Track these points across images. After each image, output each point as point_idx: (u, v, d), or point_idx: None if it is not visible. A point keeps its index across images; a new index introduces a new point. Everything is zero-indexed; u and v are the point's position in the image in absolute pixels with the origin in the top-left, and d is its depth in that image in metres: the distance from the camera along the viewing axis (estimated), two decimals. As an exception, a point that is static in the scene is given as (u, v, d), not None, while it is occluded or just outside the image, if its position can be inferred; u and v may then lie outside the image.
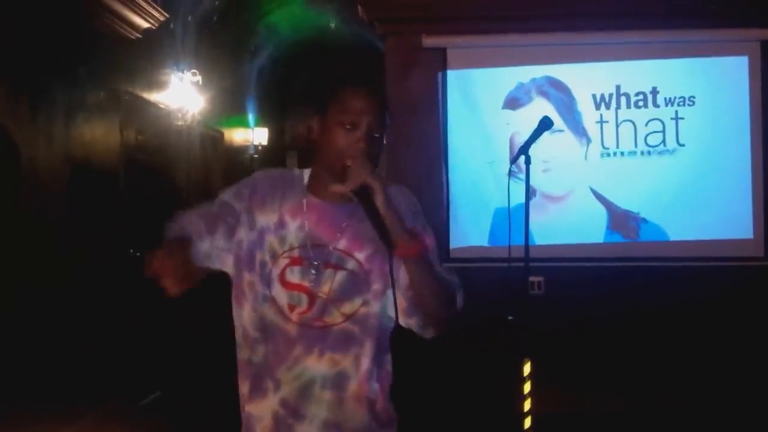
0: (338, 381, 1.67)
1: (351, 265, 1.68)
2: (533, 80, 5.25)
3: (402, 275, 1.65)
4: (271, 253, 1.69)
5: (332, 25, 8.11)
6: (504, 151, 5.23)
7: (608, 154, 5.32)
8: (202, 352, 5.44)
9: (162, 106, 5.84)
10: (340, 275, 1.68)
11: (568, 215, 5.44)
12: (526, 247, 3.45)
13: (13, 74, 3.74)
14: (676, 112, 5.23)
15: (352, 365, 1.68)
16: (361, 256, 1.69)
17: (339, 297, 1.68)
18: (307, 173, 1.75)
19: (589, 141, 5.32)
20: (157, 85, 5.79)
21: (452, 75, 5.19)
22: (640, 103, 5.25)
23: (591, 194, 5.32)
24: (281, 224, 1.70)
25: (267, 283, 1.69)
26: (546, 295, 5.15)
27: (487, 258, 5.03)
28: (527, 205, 3.46)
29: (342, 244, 1.68)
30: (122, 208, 4.87)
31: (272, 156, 9.99)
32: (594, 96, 5.28)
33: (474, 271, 5.21)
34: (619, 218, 5.32)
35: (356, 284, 1.68)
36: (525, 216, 3.45)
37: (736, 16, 5.12)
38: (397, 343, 1.78)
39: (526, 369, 3.49)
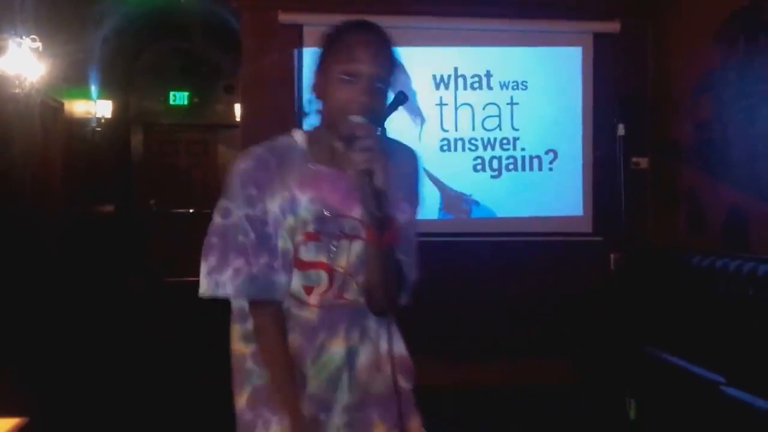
0: (349, 359, 1.57)
1: (365, 233, 1.55)
2: None
3: None
4: (290, 234, 1.54)
5: (182, -3, 7.89)
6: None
7: (446, 137, 5.56)
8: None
9: (-2, 72, 5.50)
10: (356, 245, 1.56)
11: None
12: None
13: None
14: (511, 97, 5.55)
15: (360, 337, 1.59)
16: None
17: (356, 269, 1.56)
18: (300, 137, 1.62)
19: (423, 121, 5.52)
20: (-7, 49, 5.44)
21: (308, 53, 5.24)
22: (476, 85, 5.52)
23: (425, 175, 5.51)
24: (293, 201, 1.55)
25: (288, 270, 1.54)
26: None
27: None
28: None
29: (357, 212, 1.54)
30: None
31: (116, 130, 9.61)
32: (434, 77, 5.51)
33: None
34: (451, 200, 5.56)
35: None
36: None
37: (571, 8, 5.51)
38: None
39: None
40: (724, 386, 3.37)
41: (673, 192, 5.31)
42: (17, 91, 5.90)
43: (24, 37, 5.81)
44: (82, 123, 8.36)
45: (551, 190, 5.58)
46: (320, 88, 1.54)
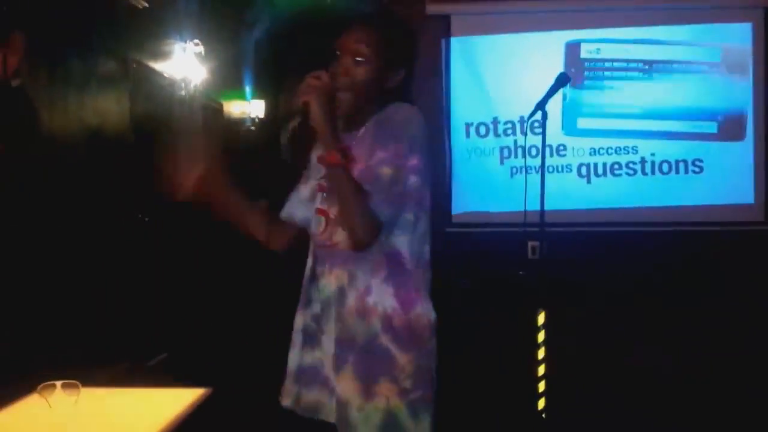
0: (339, 297, 1.79)
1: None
2: None
3: None
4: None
5: (330, -1, 8.06)
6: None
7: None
8: (209, 315, 5.50)
9: (167, 75, 5.85)
10: None
11: (575, 182, 5.51)
12: (542, 207, 3.50)
13: (32, 43, 3.74)
14: (679, 78, 5.32)
15: (349, 281, 1.78)
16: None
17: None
18: None
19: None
20: (162, 54, 5.80)
21: (456, 42, 5.23)
22: (645, 66, 5.34)
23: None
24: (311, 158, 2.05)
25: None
26: (550, 258, 5.24)
27: (498, 223, 5.11)
28: (543, 162, 3.51)
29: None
30: (134, 176, 4.89)
31: (268, 129, 9.97)
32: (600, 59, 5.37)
33: (478, 235, 5.29)
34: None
35: None
36: (541, 175, 3.51)
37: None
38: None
39: (541, 318, 3.59)
40: None
41: None
42: (183, 93, 6.26)
43: (188, 41, 6.15)
44: (238, 123, 8.76)
45: (720, 177, 5.29)
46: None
